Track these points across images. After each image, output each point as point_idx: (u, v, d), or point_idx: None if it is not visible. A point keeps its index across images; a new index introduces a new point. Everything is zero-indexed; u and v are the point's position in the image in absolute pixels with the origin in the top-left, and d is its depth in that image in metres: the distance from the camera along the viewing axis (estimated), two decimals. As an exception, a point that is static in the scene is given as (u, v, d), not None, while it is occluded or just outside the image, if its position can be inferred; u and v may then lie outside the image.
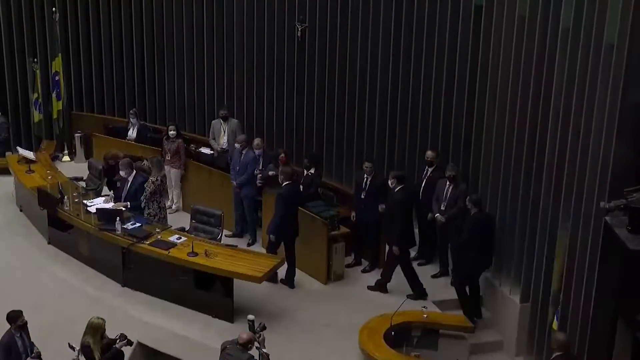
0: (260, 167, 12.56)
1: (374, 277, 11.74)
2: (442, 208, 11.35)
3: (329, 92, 13.65)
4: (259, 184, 12.39)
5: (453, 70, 11.70)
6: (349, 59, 13.22)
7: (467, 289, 11.04)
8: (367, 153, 12.94)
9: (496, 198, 11.04)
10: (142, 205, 11.65)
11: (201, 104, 15.50)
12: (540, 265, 10.26)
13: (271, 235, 11.31)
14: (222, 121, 13.82)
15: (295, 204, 11.45)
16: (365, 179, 11.78)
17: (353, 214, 11.94)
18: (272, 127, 14.61)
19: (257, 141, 12.79)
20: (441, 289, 11.52)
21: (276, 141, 14.48)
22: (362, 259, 12.15)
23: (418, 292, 11.14)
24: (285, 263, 11.22)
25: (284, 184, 11.40)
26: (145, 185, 11.61)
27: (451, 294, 11.30)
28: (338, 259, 11.60)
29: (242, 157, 12.50)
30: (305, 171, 12.38)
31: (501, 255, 11.06)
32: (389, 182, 11.15)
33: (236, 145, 12.61)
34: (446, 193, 11.34)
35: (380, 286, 11.37)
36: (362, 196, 11.78)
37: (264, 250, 11.93)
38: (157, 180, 11.56)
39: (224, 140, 13.73)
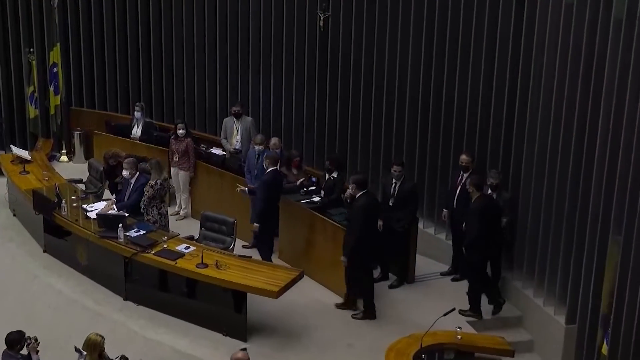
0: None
1: (402, 293, 11.72)
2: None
3: (353, 88, 13.62)
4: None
5: (492, 65, 11.64)
6: (376, 52, 13.18)
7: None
8: (396, 156, 12.88)
9: (539, 208, 10.97)
10: (142, 210, 11.65)
11: (213, 100, 15.51)
12: (589, 283, 10.18)
13: (255, 225, 11.76)
14: (234, 119, 13.81)
15: (278, 191, 11.85)
16: (393, 185, 11.74)
17: (380, 222, 11.88)
18: (290, 126, 14.60)
19: (274, 141, 12.77)
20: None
21: (295, 142, 14.47)
22: (390, 273, 12.10)
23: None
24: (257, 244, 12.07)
25: (268, 169, 11.77)
26: (144, 189, 11.62)
27: (490, 313, 11.31)
28: (362, 273, 11.54)
29: (259, 160, 12.48)
30: (326, 175, 12.34)
31: (544, 272, 11.00)
32: (350, 188, 11.12)
33: (256, 147, 12.56)
34: (487, 202, 11.31)
35: (348, 303, 11.34)
36: (390, 203, 11.75)
37: (281, 262, 11.93)
38: (155, 184, 11.55)
39: (236, 140, 13.70)
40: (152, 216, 11.61)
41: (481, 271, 11.29)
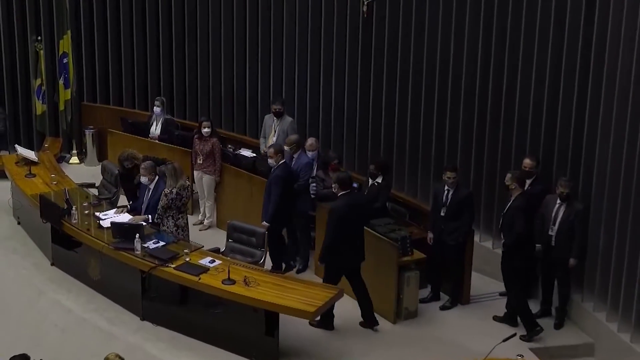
0: (314, 175, 12.52)
1: (456, 315, 11.70)
2: (552, 233, 11.24)
3: (401, 85, 13.58)
4: (313, 195, 12.34)
5: (559, 61, 11.55)
6: (427, 41, 13.12)
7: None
8: (449, 161, 12.84)
9: (613, 222, 10.88)
10: (155, 219, 11.69)
11: (242, 95, 15.54)
12: (670, 307, 10.08)
13: (265, 224, 11.92)
14: (274, 118, 13.77)
15: (291, 183, 12.19)
16: (445, 192, 11.70)
17: (430, 235, 11.87)
18: (329, 126, 14.61)
19: (310, 141, 12.78)
20: (542, 332, 11.33)
21: (334, 143, 14.47)
22: (441, 293, 12.07)
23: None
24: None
25: (279, 164, 12.00)
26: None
27: (556, 339, 11.23)
28: (410, 292, 11.54)
29: (293, 163, 12.49)
30: (370, 181, 12.35)
31: (619, 293, 10.90)
32: (332, 188, 11.21)
33: (285, 148, 12.54)
34: (556, 214, 11.23)
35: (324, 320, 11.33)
36: (442, 213, 11.71)
37: (317, 278, 11.90)
38: (170, 192, 11.57)
39: (272, 141, 13.67)
40: (168, 227, 11.64)
41: (523, 279, 11.27)
